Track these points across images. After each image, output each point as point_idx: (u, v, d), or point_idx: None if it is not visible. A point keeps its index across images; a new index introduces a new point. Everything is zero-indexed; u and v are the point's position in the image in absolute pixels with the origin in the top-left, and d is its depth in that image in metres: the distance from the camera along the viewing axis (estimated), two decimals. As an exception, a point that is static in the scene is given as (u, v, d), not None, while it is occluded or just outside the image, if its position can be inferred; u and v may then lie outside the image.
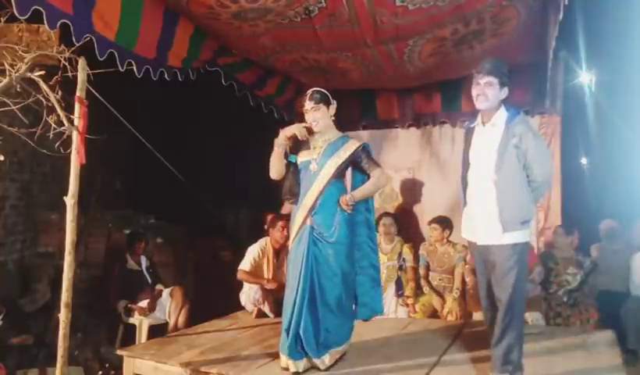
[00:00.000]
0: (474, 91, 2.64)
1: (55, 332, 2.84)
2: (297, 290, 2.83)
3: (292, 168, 3.07)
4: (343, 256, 2.93)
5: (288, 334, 2.82)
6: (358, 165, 3.02)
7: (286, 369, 2.82)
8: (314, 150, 3.01)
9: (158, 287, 4.64)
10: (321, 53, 4.07)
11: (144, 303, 4.40)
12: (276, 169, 3.06)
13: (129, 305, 4.42)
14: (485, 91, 2.59)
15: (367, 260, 3.13)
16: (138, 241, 4.75)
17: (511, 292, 2.53)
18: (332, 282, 2.89)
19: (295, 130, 3.02)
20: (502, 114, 2.62)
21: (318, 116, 2.99)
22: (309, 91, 3.05)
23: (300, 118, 3.21)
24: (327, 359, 2.85)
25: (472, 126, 2.76)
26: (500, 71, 2.59)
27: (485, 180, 2.61)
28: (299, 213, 2.97)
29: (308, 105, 3.00)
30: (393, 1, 3.16)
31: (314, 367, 2.83)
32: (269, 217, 4.47)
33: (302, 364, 2.80)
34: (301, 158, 3.04)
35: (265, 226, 4.53)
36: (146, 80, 3.31)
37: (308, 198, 2.94)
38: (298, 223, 2.95)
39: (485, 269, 2.72)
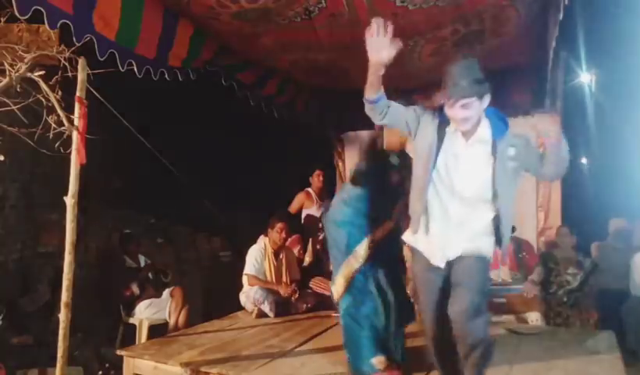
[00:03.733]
0: (460, 114, 2.17)
1: (55, 332, 2.83)
2: None
3: None
4: None
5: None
6: None
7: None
8: None
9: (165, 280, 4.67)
10: (322, 53, 4.07)
11: (135, 287, 4.43)
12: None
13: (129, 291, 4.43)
14: (467, 113, 2.16)
15: None
16: (133, 242, 4.76)
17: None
18: None
19: None
20: (486, 126, 2.23)
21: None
22: None
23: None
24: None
25: (444, 124, 2.27)
26: (477, 83, 2.13)
27: (454, 196, 2.25)
28: None
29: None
30: (394, 2, 3.16)
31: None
32: (272, 219, 4.46)
33: None
34: None
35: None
36: (146, 80, 3.31)
37: None
38: None
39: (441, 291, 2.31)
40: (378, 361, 2.71)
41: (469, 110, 2.16)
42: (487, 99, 2.19)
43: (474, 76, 2.14)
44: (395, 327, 2.80)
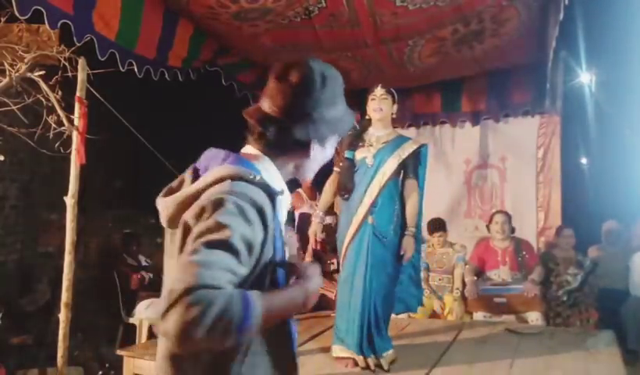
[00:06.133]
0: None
1: (55, 332, 2.84)
2: (363, 289, 2.83)
3: (348, 163, 3.02)
4: (395, 255, 2.95)
5: (356, 331, 2.81)
6: (406, 167, 3.02)
7: (357, 365, 2.79)
8: (371, 147, 2.99)
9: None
10: (321, 53, 4.07)
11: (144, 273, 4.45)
12: (328, 200, 3.13)
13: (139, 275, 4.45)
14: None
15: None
16: (133, 242, 4.76)
17: None
18: (384, 283, 2.91)
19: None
20: None
21: (383, 105, 3.02)
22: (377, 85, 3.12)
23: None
24: (386, 361, 2.83)
25: None
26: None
27: None
28: (359, 210, 2.91)
29: (379, 91, 3.04)
30: (393, 2, 3.16)
31: (379, 366, 2.80)
32: None
33: (372, 361, 2.80)
34: (358, 154, 3.01)
35: None
36: (146, 80, 3.31)
37: (368, 195, 2.91)
38: (358, 221, 2.90)
39: None
40: (336, 348, 2.90)
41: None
42: None
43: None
44: (375, 322, 2.86)
